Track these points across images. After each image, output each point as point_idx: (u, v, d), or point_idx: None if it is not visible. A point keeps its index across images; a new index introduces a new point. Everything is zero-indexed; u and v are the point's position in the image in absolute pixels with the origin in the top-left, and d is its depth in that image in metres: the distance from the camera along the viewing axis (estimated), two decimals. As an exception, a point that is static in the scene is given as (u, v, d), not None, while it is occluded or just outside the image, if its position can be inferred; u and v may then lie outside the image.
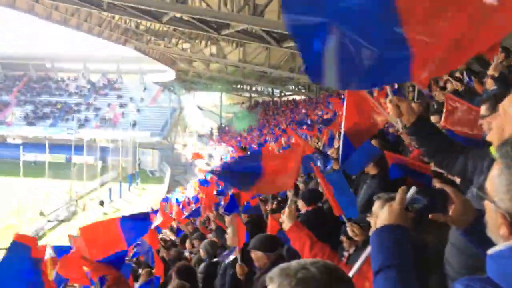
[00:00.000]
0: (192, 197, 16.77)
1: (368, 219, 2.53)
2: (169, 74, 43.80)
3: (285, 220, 2.93)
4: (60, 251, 4.39)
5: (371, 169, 4.19)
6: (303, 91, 40.81)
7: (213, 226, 8.00)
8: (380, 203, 2.31)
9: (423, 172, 3.73)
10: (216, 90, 51.31)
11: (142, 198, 36.87)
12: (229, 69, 35.51)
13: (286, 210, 2.96)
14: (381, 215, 1.56)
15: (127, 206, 34.06)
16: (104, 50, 60.22)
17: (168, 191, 35.28)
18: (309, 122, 15.29)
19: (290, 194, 6.64)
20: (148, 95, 61.48)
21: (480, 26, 1.47)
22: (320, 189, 5.32)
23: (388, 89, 2.50)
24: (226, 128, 50.30)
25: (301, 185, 7.61)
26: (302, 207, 4.93)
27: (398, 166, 3.89)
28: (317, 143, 9.13)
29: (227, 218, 6.09)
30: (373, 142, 4.40)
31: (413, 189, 1.57)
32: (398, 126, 2.64)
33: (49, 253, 4.55)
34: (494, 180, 1.15)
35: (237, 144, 32.46)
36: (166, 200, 18.51)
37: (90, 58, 65.51)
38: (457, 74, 7.40)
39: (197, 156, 25.00)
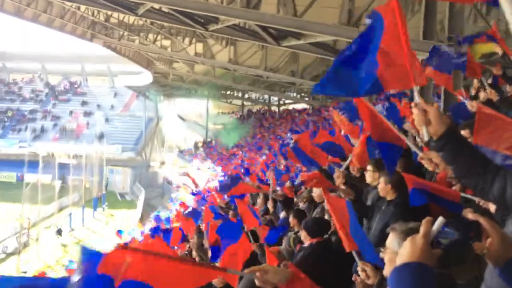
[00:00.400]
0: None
1: (381, 255, 2.51)
2: (145, 77, 43.83)
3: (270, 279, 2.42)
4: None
5: (388, 194, 4.20)
6: (306, 99, 41.02)
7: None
8: (395, 236, 2.31)
9: (451, 199, 3.69)
10: (201, 96, 51.37)
11: (110, 227, 36.59)
12: (218, 72, 35.65)
13: (268, 269, 2.46)
14: (401, 251, 1.55)
15: (91, 236, 33.75)
16: (66, 47, 60.35)
17: (142, 218, 35.03)
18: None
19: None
20: (119, 101, 61.54)
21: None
22: (327, 217, 5.32)
23: (415, 90, 2.50)
24: (213, 142, 50.26)
25: (301, 204, 7.60)
26: (305, 238, 4.92)
27: (419, 191, 3.86)
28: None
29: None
30: (397, 165, 4.42)
31: (440, 220, 1.57)
32: (419, 140, 2.63)
33: None
34: None
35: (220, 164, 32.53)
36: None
37: (49, 57, 65.56)
38: (490, 81, 7.45)
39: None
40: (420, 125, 2.41)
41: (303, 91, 40.10)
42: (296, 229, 6.27)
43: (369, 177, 4.90)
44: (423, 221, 1.58)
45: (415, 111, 2.42)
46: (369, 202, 4.99)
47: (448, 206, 3.65)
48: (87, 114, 59.12)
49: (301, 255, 4.85)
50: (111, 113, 59.41)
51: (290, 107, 48.00)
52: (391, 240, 2.35)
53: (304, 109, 41.93)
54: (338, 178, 5.42)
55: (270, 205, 8.82)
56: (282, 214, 8.18)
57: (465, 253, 1.65)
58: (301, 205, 7.65)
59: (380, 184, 4.31)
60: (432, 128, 2.38)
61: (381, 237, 3.62)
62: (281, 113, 46.90)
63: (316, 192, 6.51)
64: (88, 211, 39.32)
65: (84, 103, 61.21)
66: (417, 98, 2.45)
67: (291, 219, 6.52)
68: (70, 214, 36.83)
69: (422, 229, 1.56)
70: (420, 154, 2.96)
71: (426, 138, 2.44)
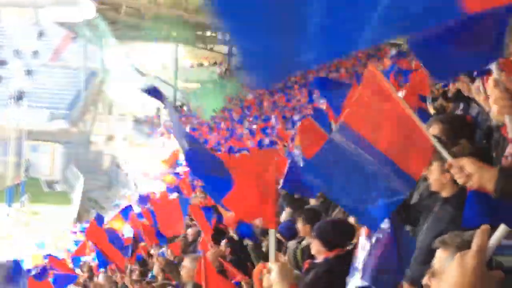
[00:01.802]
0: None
1: (425, 280, 2.52)
2: (85, 10, 43.62)
3: (273, 280, 2.99)
4: None
5: (444, 187, 4.17)
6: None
7: (158, 274, 8.08)
8: (447, 253, 2.31)
9: None
10: (168, 40, 51.21)
11: (32, 229, 36.72)
12: (192, 3, 35.52)
13: (273, 266, 3.05)
14: (447, 273, 1.58)
15: (4, 243, 33.85)
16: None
17: (79, 218, 35.13)
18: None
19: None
20: (45, 46, 61.19)
21: None
22: (353, 220, 5.34)
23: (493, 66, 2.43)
24: (185, 109, 50.27)
25: (313, 202, 7.63)
26: (319, 251, 4.93)
27: (481, 197, 3.79)
28: None
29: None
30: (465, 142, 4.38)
31: (502, 230, 1.62)
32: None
33: None
34: None
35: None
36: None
37: None
38: None
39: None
40: (502, 113, 2.32)
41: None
42: (307, 238, 6.30)
43: None
44: (477, 231, 1.60)
45: (494, 91, 2.32)
46: (415, 201, 4.98)
47: None
48: (-1, 63, 58.95)
49: (312, 276, 4.85)
50: (34, 63, 59.10)
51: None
52: (441, 259, 2.37)
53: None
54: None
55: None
56: (284, 215, 8.20)
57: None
58: (313, 202, 7.67)
59: (432, 172, 4.24)
60: None
61: (432, 253, 3.62)
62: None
63: None
64: (-1, 206, 39.44)
65: (-6, 47, 60.97)
66: (495, 71, 2.35)
67: (300, 223, 6.54)
68: (-26, 210, 36.98)
69: (475, 243, 1.57)
70: (449, 159, 2.95)
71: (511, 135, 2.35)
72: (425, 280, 2.50)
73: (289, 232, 7.26)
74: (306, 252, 6.14)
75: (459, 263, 1.54)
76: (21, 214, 40.81)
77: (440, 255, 2.38)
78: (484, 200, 3.71)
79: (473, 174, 2.83)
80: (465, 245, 2.08)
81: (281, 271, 2.97)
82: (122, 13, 42.20)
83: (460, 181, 2.96)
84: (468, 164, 2.81)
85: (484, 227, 1.60)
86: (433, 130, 5.39)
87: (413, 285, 3.91)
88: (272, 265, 3.03)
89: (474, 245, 1.56)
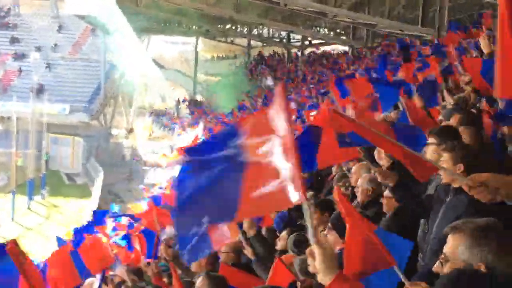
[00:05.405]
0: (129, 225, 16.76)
1: (435, 267, 2.53)
2: (105, 2, 43.60)
3: (318, 268, 2.65)
4: None
5: (455, 179, 4.16)
6: (343, 37, 40.76)
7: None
8: (462, 237, 2.36)
9: None
10: (188, 33, 51.10)
11: (52, 222, 36.84)
12: (212, -4, 35.47)
13: (315, 248, 2.67)
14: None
15: (25, 235, 34.04)
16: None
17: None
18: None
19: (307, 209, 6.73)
20: (65, 39, 61.26)
21: None
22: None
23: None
24: (206, 102, 50.18)
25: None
26: (336, 243, 4.91)
27: None
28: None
29: None
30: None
31: None
32: None
33: None
34: None
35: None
36: (91, 227, 17.71)
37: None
38: None
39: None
40: None
41: (339, 26, 39.82)
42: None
43: (431, 153, 4.88)
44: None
45: None
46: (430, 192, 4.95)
47: None
48: (19, 56, 59.02)
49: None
50: (54, 56, 59.18)
51: (321, 50, 47.75)
52: (453, 244, 2.39)
53: (344, 52, 41.67)
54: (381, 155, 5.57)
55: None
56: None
57: None
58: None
59: (444, 163, 4.21)
60: None
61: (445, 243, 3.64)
62: (307, 58, 46.60)
63: (356, 172, 6.51)
64: (20, 199, 39.60)
65: (14, 40, 61.02)
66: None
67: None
68: (-5, 203, 37.14)
69: None
70: (465, 181, 3.02)
71: None
72: (436, 267, 2.52)
73: (284, 222, 7.19)
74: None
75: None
76: (42, 207, 40.96)
77: (452, 240, 2.40)
78: None
79: (500, 187, 2.77)
80: (478, 230, 2.16)
81: (325, 258, 2.63)
82: (141, 5, 42.10)
83: (486, 198, 2.83)
84: (492, 180, 2.78)
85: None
86: (453, 120, 5.50)
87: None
88: (316, 249, 2.65)
89: None
